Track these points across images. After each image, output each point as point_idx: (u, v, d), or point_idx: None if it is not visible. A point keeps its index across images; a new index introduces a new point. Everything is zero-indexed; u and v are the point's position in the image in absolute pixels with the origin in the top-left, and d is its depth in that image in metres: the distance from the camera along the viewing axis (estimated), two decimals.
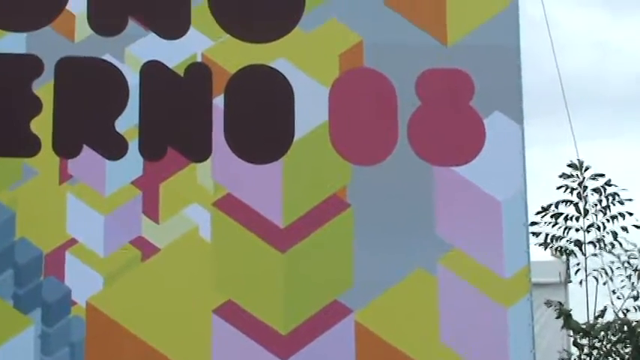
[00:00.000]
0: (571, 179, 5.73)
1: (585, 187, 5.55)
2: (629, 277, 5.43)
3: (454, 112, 4.73)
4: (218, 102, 4.70)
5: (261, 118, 4.73)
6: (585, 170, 5.67)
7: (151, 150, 4.65)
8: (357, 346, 4.61)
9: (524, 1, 4.92)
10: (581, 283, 5.52)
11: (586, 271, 5.65)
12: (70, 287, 4.54)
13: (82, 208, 4.59)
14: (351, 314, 4.61)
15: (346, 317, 4.63)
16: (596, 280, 5.54)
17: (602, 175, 5.79)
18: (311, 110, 4.77)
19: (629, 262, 5.63)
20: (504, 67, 4.78)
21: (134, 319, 4.58)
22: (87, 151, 4.65)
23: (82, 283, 4.59)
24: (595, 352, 5.19)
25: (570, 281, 6.15)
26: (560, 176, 5.51)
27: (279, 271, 4.66)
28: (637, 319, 5.22)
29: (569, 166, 5.46)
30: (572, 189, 5.67)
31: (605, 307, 5.37)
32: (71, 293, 4.53)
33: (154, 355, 4.56)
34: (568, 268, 6.16)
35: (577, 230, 5.70)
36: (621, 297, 5.43)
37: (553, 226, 5.63)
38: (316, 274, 4.69)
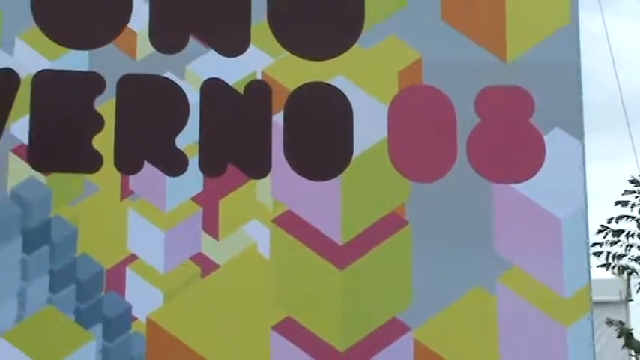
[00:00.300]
0: (633, 195, 5.74)
1: None
2: None
3: (514, 128, 4.76)
4: (277, 119, 4.79)
5: (321, 135, 4.81)
6: None
7: (211, 166, 4.74)
8: None
9: (584, 17, 4.96)
10: None
11: None
12: (131, 303, 4.65)
13: (143, 224, 4.70)
14: (410, 332, 4.66)
15: (405, 335, 4.68)
16: None
17: None
18: (370, 127, 4.84)
19: None
20: (564, 83, 4.81)
21: (194, 335, 4.67)
22: (148, 168, 4.75)
23: (143, 298, 4.70)
24: None
25: (631, 299, 6.13)
26: (624, 194, 5.51)
27: (337, 287, 4.73)
28: None
29: (630, 182, 5.44)
30: (633, 205, 5.68)
31: None
32: (132, 309, 4.64)
33: None
34: (629, 286, 6.14)
35: (639, 248, 5.70)
36: None
37: (614, 244, 5.62)
38: (375, 291, 4.75)
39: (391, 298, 4.71)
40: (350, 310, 4.70)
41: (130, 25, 4.79)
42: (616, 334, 5.04)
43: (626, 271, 5.61)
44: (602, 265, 5.52)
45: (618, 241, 5.57)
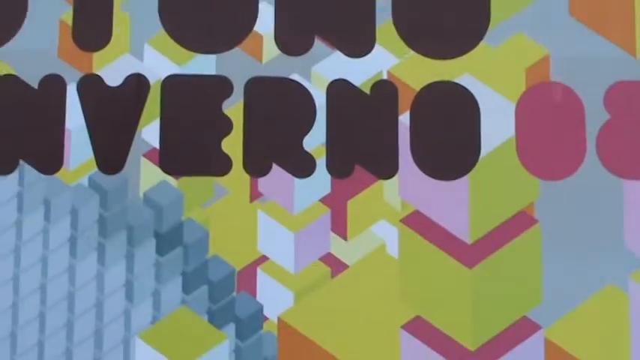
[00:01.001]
0: None
1: None
2: None
3: None
4: (404, 119, 5.02)
5: (447, 135, 5.03)
6: None
7: (338, 168, 5.00)
8: None
9: None
10: None
11: None
12: (262, 303, 4.96)
13: (273, 225, 4.98)
14: (541, 331, 4.88)
15: (535, 334, 4.90)
16: None
17: None
18: (497, 126, 5.03)
19: None
20: None
21: (324, 335, 4.97)
22: (276, 170, 5.03)
23: (274, 299, 5.00)
24: None
25: None
26: None
27: (466, 287, 4.96)
28: None
29: None
30: None
31: None
32: (263, 309, 4.95)
33: None
34: None
35: None
36: None
37: None
38: (504, 290, 4.96)
39: (521, 297, 4.90)
40: (480, 309, 4.92)
41: (256, 28, 5.09)
42: None
43: None
44: None
45: None
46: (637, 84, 4.88)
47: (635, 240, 4.84)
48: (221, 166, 4.90)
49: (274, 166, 4.86)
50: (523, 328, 4.77)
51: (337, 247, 4.78)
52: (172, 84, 5.00)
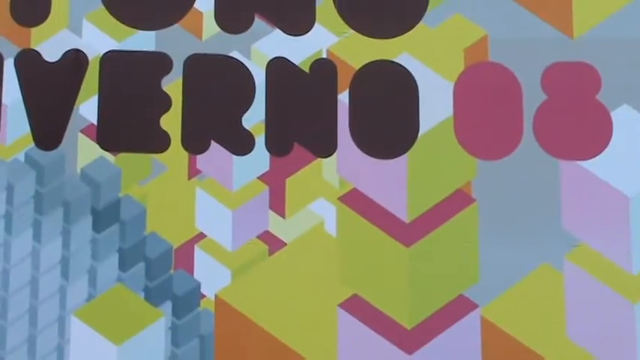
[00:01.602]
0: None
1: None
2: None
3: (581, 105, 5.10)
4: (343, 98, 5.09)
5: (386, 114, 5.09)
6: None
7: (277, 146, 5.04)
8: (483, 340, 4.97)
9: None
10: None
11: None
12: (199, 281, 5.00)
13: (211, 203, 5.02)
14: (477, 309, 4.96)
15: (472, 312, 4.98)
16: None
17: None
18: (435, 105, 5.12)
19: None
20: (633, 59, 5.13)
21: (262, 313, 4.99)
22: (215, 147, 5.08)
23: (211, 276, 5.03)
24: None
25: None
26: None
27: (404, 265, 5.02)
28: None
29: None
30: None
31: None
32: (200, 286, 4.99)
33: (281, 347, 4.99)
34: None
35: None
36: None
37: None
38: (441, 269, 5.02)
39: (458, 276, 4.96)
40: (417, 287, 4.98)
41: (196, 5, 5.12)
42: None
43: None
44: None
45: None
46: (574, 65, 4.96)
47: (572, 220, 4.94)
48: (159, 142, 4.90)
49: (213, 144, 4.88)
50: (460, 307, 4.82)
51: (275, 225, 4.81)
52: (111, 60, 5.01)
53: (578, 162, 5.04)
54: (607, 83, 4.96)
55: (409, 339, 4.90)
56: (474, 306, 4.95)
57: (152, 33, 5.07)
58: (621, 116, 4.99)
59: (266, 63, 5.22)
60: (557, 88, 5.20)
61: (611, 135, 4.99)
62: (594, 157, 5.02)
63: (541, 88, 5.08)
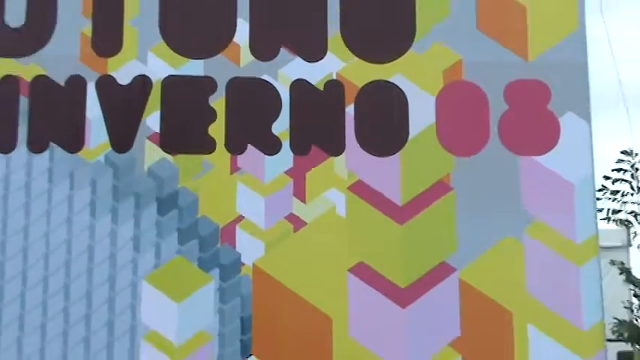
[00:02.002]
0: (626, 163, 6.04)
1: (637, 169, 5.84)
2: None
3: (535, 113, 4.99)
4: (349, 110, 4.96)
5: (384, 122, 4.98)
6: (636, 156, 5.97)
7: (299, 147, 4.94)
8: (461, 296, 4.81)
9: (590, 23, 5.18)
10: (639, 247, 5.83)
11: None
12: (240, 252, 4.85)
13: (248, 192, 5.06)
14: (456, 272, 4.83)
15: (452, 275, 4.83)
16: None
17: None
18: (422, 114, 4.98)
19: None
20: (575, 77, 5.02)
21: (288, 277, 4.83)
22: (251, 149, 4.93)
23: (249, 249, 4.85)
24: None
25: (631, 245, 6.44)
26: (618, 162, 5.82)
27: (398, 239, 4.88)
28: None
29: (622, 152, 5.71)
30: (626, 171, 5.99)
31: None
32: (241, 257, 4.83)
33: (304, 303, 4.81)
34: (628, 235, 6.45)
35: (632, 204, 6.03)
36: None
37: (612, 201, 5.94)
38: (427, 241, 4.87)
39: (441, 247, 4.85)
40: (408, 256, 4.86)
41: (235, 39, 5.01)
42: (618, 272, 5.29)
43: (623, 223, 5.88)
44: (604, 219, 5.79)
45: (615, 199, 5.85)
46: (529, 81, 4.98)
47: (529, 202, 4.92)
48: (208, 146, 4.94)
49: (249, 146, 4.91)
50: (442, 271, 4.85)
51: (298, 208, 4.84)
52: (169, 83, 5.05)
53: (533, 157, 5.01)
54: (555, 96, 4.98)
55: (403, 295, 4.95)
56: (453, 270, 4.98)
57: (201, 61, 5.06)
58: (567, 121, 5.03)
59: (290, 83, 5.13)
60: (516, 100, 5.23)
61: (559, 136, 5.02)
62: (546, 153, 5.00)
63: (504, 100, 5.10)
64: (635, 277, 5.35)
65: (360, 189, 5.02)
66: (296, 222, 4.99)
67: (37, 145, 5.03)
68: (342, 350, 4.93)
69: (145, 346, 4.91)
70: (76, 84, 5.09)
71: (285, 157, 5.04)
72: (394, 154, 5.02)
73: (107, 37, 5.13)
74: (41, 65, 5.09)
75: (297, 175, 5.03)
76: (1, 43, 5.10)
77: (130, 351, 4.86)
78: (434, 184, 5.01)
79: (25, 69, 5.12)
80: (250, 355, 4.92)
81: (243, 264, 4.93)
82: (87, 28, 5.09)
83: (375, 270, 4.93)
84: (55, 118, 5.06)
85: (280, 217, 5.00)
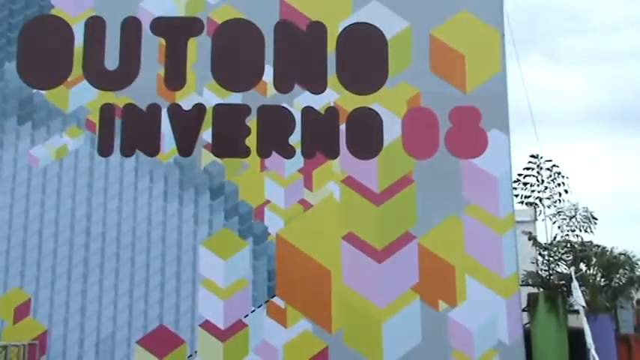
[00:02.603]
0: (533, 163, 6.09)
1: (541, 167, 5.90)
2: (570, 217, 5.78)
3: (470, 129, 5.01)
4: (342, 127, 5.05)
5: (366, 135, 5.03)
6: (541, 159, 6.05)
7: (307, 153, 5.02)
8: (419, 255, 4.85)
9: (509, 65, 5.23)
10: (543, 220, 5.90)
11: (544, 215, 6.05)
12: (267, 226, 4.92)
13: (272, 184, 4.92)
14: (416, 239, 4.90)
15: (413, 240, 4.90)
16: (550, 219, 5.91)
17: (550, 161, 6.19)
18: (392, 130, 5.04)
19: (575, 211, 5.99)
20: (498, 104, 5.04)
21: (300, 242, 4.91)
22: (274, 154, 5.02)
23: (273, 223, 4.93)
24: (550, 259, 5.55)
25: (537, 220, 6.52)
26: (528, 162, 5.88)
27: (376, 216, 4.94)
28: (575, 241, 5.58)
29: (531, 156, 5.78)
30: (533, 169, 6.03)
31: (556, 234, 5.73)
32: (268, 229, 4.92)
33: (312, 261, 4.85)
34: (535, 213, 6.50)
35: (538, 192, 6.08)
36: (563, 230, 5.78)
37: (524, 190, 5.99)
38: (396, 217, 4.93)
39: (406, 220, 4.90)
40: (383, 227, 4.91)
41: (263, 78, 5.07)
42: (527, 239, 5.34)
43: (532, 205, 5.97)
44: (519, 202, 5.84)
45: (526, 188, 5.89)
46: (466, 107, 4.87)
47: (467, 190, 4.81)
48: (245, 152, 4.88)
49: (273, 152, 4.84)
50: (407, 238, 4.78)
51: (307, 195, 4.80)
52: (218, 109, 4.98)
53: (470, 159, 5.20)
54: (484, 117, 5.05)
55: (379, 255, 5.20)
56: (414, 237, 5.10)
57: (240, 94, 5.26)
58: (492, 135, 5.22)
59: (301, 109, 5.34)
60: (458, 120, 5.31)
61: (487, 145, 5.06)
62: (478, 156, 5.19)
63: (449, 120, 5.09)
64: (539, 242, 5.41)
65: (350, 182, 5.09)
66: (306, 205, 5.07)
67: (127, 151, 5.16)
68: (337, 293, 4.96)
69: (202, 290, 4.97)
70: (154, 109, 5.21)
71: (298, 160, 5.13)
72: (373, 157, 5.07)
73: (175, 77, 5.24)
74: (130, 97, 5.24)
75: (306, 172, 5.11)
76: (102, 81, 5.19)
77: (192, 293, 4.93)
78: (400, 178, 5.05)
79: (119, 99, 5.26)
80: (274, 295, 4.96)
81: (269, 234, 5.04)
82: (161, 70, 5.23)
83: (360, 237, 4.99)
84: (140, 133, 5.19)
85: (295, 201, 5.08)
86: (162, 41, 5.14)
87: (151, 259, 4.91)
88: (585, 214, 5.93)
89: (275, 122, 5.11)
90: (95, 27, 5.13)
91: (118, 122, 5.04)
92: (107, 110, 5.02)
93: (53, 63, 5.10)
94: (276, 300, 4.88)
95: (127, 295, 4.83)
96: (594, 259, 5.73)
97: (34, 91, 5.03)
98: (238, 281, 4.89)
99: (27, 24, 5.12)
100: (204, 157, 5.01)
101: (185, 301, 4.86)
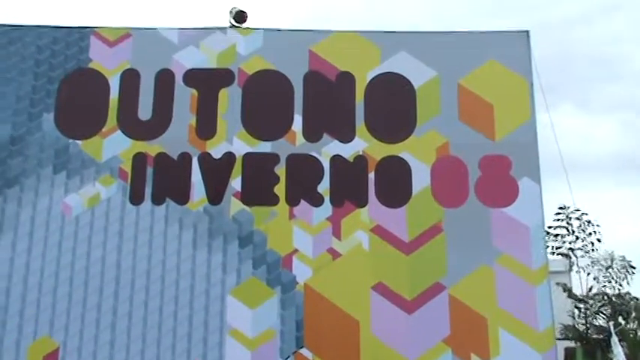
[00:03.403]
0: (562, 215, 6.04)
1: (570, 218, 5.86)
2: (606, 268, 5.68)
3: (500, 178, 5.01)
4: (371, 176, 5.07)
5: (395, 183, 5.07)
6: (568, 209, 6.02)
7: (336, 201, 5.03)
8: (450, 306, 4.80)
9: (539, 114, 5.21)
10: (577, 272, 5.80)
11: (578, 265, 5.93)
12: (296, 274, 4.90)
13: (301, 233, 4.92)
14: (446, 289, 4.84)
15: (443, 291, 4.84)
16: (583, 270, 5.80)
17: (579, 210, 6.17)
18: (421, 179, 5.06)
19: (611, 261, 5.88)
20: (529, 152, 5.04)
21: (329, 292, 4.87)
22: (303, 202, 5.03)
23: (302, 272, 4.91)
24: (587, 312, 5.42)
25: (571, 270, 6.40)
26: (557, 214, 5.85)
27: (406, 265, 4.91)
28: (612, 293, 5.45)
29: (559, 207, 5.81)
30: (562, 219, 5.98)
31: (592, 286, 5.62)
32: (296, 278, 4.89)
33: (338, 310, 4.81)
34: (569, 264, 6.38)
35: (570, 242, 6.00)
36: (599, 281, 5.66)
37: (554, 241, 5.93)
38: (426, 267, 4.90)
39: (436, 271, 4.87)
40: (413, 277, 4.87)
41: (292, 127, 5.15)
42: (562, 290, 5.25)
43: (565, 255, 5.90)
44: (550, 253, 5.75)
45: (556, 240, 5.85)
46: (496, 156, 4.91)
47: (498, 240, 4.82)
48: (274, 200, 4.95)
49: (302, 201, 4.92)
50: (437, 288, 4.76)
51: (336, 244, 4.81)
52: (248, 157, 5.09)
53: (500, 208, 5.12)
54: (515, 166, 5.00)
55: (409, 305, 5.05)
56: (444, 287, 4.97)
57: (269, 142, 5.28)
58: (523, 184, 5.14)
59: (330, 158, 5.31)
60: (487, 168, 5.26)
61: (518, 194, 5.01)
62: (509, 205, 5.11)
63: (478, 169, 5.09)
64: (574, 294, 5.32)
65: (379, 231, 5.06)
66: (334, 254, 5.03)
67: (157, 200, 5.19)
68: (366, 344, 4.87)
69: (229, 340, 4.93)
70: (185, 158, 5.24)
71: (327, 208, 5.11)
72: (402, 206, 5.06)
73: (206, 126, 5.30)
74: (162, 146, 5.28)
75: (335, 220, 5.09)
76: (135, 131, 5.27)
77: (219, 343, 4.89)
78: (430, 227, 5.02)
79: (151, 148, 5.33)
80: (302, 346, 4.93)
81: (297, 283, 4.99)
82: (192, 120, 5.29)
83: (389, 287, 4.94)
84: (170, 181, 5.23)
85: (323, 250, 5.05)
86: (195, 92, 5.23)
87: (179, 308, 4.87)
88: (622, 262, 5.85)
89: (304, 171, 5.11)
90: (130, 79, 5.26)
91: (149, 171, 5.08)
92: (139, 159, 5.09)
93: (89, 114, 5.22)
94: (304, 351, 4.81)
95: (155, 344, 4.81)
96: (633, 313, 5.60)
97: (70, 141, 5.15)
98: (266, 331, 4.83)
99: (65, 77, 5.28)
100: (234, 205, 5.02)
101: (212, 351, 4.82)
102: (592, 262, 6.03)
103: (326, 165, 5.12)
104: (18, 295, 4.87)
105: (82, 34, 5.38)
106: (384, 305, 4.83)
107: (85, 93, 5.32)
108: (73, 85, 5.33)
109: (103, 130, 5.21)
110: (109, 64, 5.32)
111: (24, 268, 4.92)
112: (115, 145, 5.19)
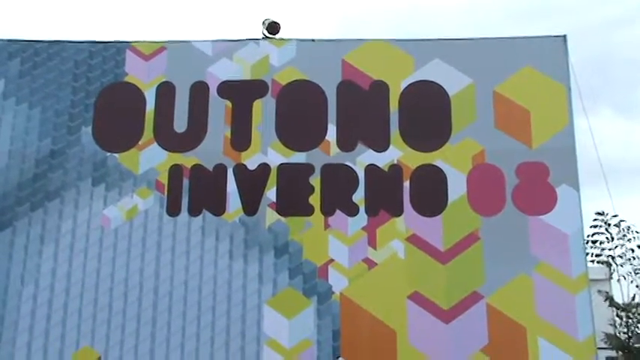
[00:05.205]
0: (600, 220, 6.02)
1: (609, 224, 5.84)
2: None
3: (538, 185, 5.04)
4: (406, 184, 5.13)
5: (431, 192, 5.10)
6: (607, 215, 6.00)
7: (371, 211, 5.10)
8: (488, 316, 4.83)
9: (577, 119, 5.27)
10: (618, 280, 5.77)
11: (618, 273, 5.92)
12: (332, 284, 4.97)
13: (336, 243, 5.01)
14: (484, 298, 4.85)
15: (481, 300, 4.86)
16: (624, 277, 5.77)
17: (617, 216, 6.12)
18: (457, 187, 5.10)
19: None
20: (567, 159, 5.06)
21: (365, 302, 4.94)
22: (338, 212, 5.11)
23: (338, 282, 4.98)
24: (630, 321, 5.39)
25: (612, 278, 6.37)
26: (595, 219, 5.83)
27: (443, 274, 4.95)
28: None
29: (596, 213, 5.79)
30: (600, 226, 5.97)
31: (635, 293, 5.60)
32: (332, 288, 4.97)
33: (375, 320, 4.88)
34: (610, 271, 6.36)
35: (609, 249, 5.99)
36: None
37: (593, 248, 5.92)
38: (463, 276, 4.94)
39: (473, 279, 4.91)
40: (450, 286, 4.92)
41: (327, 137, 5.24)
42: (603, 299, 5.21)
43: (605, 263, 5.88)
44: (590, 261, 5.74)
45: (595, 246, 5.84)
46: (533, 163, 4.97)
47: (536, 249, 4.86)
48: (309, 210, 5.07)
49: (337, 210, 5.01)
50: (475, 297, 4.82)
51: (371, 253, 4.91)
52: (283, 168, 5.22)
53: (538, 216, 5.15)
54: (553, 172, 5.04)
55: (446, 315, 5.04)
56: (482, 297, 5.10)
57: (304, 153, 5.37)
58: (562, 191, 5.16)
59: (364, 167, 5.41)
60: (525, 176, 5.32)
61: (557, 201, 5.04)
62: (547, 213, 5.14)
63: (515, 176, 5.13)
64: (615, 302, 5.28)
65: (414, 240, 5.11)
66: (370, 263, 5.09)
67: (194, 211, 5.32)
68: (403, 354, 4.93)
69: (266, 349, 5.03)
70: (220, 169, 5.37)
71: (362, 217, 5.17)
72: (438, 214, 5.10)
73: (241, 138, 5.42)
74: (197, 157, 5.40)
75: (370, 230, 5.15)
76: (172, 143, 5.42)
77: (256, 352, 5.00)
78: (467, 235, 5.05)
79: (187, 160, 5.44)
80: (339, 357, 4.99)
81: (333, 292, 5.05)
82: (227, 132, 5.41)
83: (426, 297, 4.97)
84: (206, 193, 5.34)
85: (359, 259, 5.10)
86: (229, 104, 5.36)
87: (216, 318, 4.97)
88: None
89: (338, 180, 5.17)
90: (166, 92, 5.42)
91: (185, 182, 5.20)
92: (176, 171, 5.22)
93: (126, 127, 5.38)
94: None
95: (194, 353, 4.91)
96: None
97: (108, 154, 5.31)
98: (303, 341, 4.90)
99: (103, 91, 5.45)
100: (269, 216, 5.11)
101: None
102: (634, 270, 6.01)
103: (361, 174, 5.18)
104: (60, 306, 5.05)
105: (118, 48, 5.56)
106: (421, 315, 4.87)
107: (121, 106, 5.49)
108: (110, 98, 5.50)
109: (140, 142, 5.37)
110: (145, 78, 5.49)
111: (65, 279, 5.10)
112: (151, 158, 5.34)
